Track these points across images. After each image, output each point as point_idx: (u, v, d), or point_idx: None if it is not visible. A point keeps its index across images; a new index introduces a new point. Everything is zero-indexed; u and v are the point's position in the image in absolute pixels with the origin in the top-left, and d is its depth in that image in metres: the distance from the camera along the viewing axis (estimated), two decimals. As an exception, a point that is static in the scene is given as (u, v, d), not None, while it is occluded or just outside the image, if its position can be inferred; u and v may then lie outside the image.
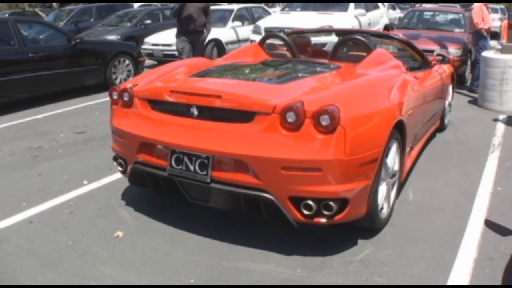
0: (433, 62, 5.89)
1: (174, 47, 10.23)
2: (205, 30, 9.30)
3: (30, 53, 8.52)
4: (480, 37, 9.71)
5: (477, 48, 9.79)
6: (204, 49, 9.18)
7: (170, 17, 13.88)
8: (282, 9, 14.22)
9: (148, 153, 3.84)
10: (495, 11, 17.20)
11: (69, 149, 6.22)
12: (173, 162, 3.63)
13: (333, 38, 6.50)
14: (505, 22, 10.22)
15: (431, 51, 7.85)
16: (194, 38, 9.16)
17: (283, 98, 3.41)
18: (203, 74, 4.34)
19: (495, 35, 10.86)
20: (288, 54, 5.54)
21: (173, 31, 10.02)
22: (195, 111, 3.64)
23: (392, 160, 3.93)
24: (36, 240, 3.88)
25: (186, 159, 3.57)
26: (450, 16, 12.30)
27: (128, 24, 15.19)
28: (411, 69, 5.28)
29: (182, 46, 9.19)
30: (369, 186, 3.49)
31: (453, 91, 7.17)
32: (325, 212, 3.33)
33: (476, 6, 9.80)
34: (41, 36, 9.49)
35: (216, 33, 12.94)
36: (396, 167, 4.09)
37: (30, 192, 4.82)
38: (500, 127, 7.10)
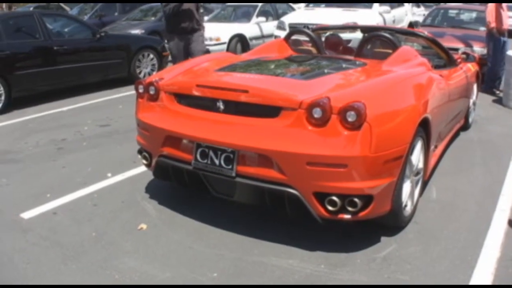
0: (459, 60, 5.83)
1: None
2: (201, 28, 7.77)
3: (55, 46, 8.60)
4: (491, 37, 9.17)
5: (488, 49, 9.29)
6: (204, 49, 7.95)
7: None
8: (307, 5, 14.20)
9: (173, 147, 3.86)
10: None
11: (93, 141, 6.28)
12: (198, 156, 3.65)
13: (358, 35, 6.47)
14: None
15: (456, 49, 7.77)
16: (190, 37, 7.62)
17: (309, 93, 3.41)
18: (230, 68, 4.35)
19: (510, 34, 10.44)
20: (314, 50, 5.53)
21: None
22: (221, 106, 3.65)
23: (417, 157, 3.91)
24: (60, 231, 3.93)
25: (211, 153, 3.58)
26: (475, 15, 12.15)
27: (152, 18, 15.21)
28: (436, 67, 5.23)
29: (177, 50, 7.75)
30: (394, 183, 3.48)
31: (478, 90, 7.10)
32: (350, 209, 3.33)
33: (490, 5, 9.39)
34: (66, 30, 9.56)
35: (240, 28, 12.98)
36: (421, 165, 4.06)
37: (54, 183, 4.88)
38: (525, 127, 7.01)
